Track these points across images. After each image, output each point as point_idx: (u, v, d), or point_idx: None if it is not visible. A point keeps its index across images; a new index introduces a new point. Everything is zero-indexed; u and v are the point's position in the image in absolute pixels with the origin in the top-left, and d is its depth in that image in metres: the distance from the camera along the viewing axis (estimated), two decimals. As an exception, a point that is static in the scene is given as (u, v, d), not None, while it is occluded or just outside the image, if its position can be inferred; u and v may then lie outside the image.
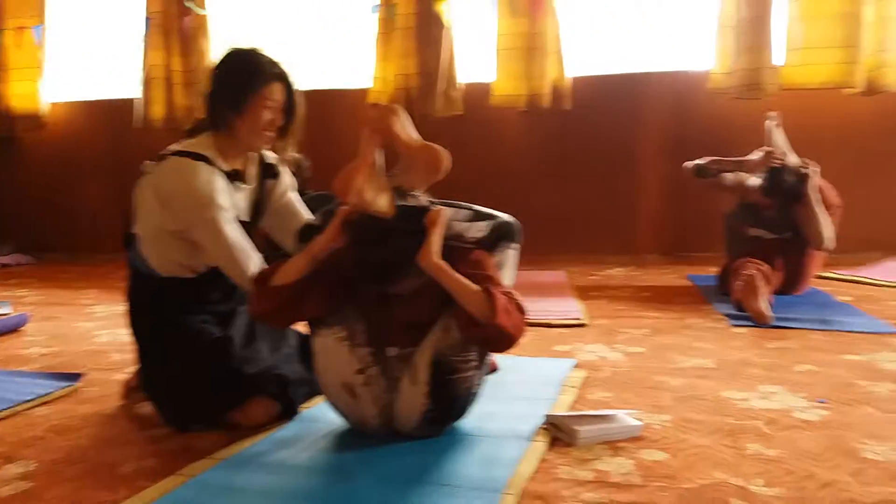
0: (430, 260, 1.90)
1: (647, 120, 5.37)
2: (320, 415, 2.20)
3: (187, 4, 5.85)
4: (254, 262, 2.15)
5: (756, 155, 3.95)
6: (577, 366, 2.76)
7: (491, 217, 2.07)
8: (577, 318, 3.52)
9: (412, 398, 1.93)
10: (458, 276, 1.90)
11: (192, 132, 2.24)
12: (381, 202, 1.87)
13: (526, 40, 5.29)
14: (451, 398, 1.95)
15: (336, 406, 2.04)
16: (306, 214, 2.41)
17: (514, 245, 2.09)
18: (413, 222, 1.91)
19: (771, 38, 4.90)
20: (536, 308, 3.44)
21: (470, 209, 2.08)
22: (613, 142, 5.42)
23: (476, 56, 5.65)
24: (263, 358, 2.23)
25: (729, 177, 4.07)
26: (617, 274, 4.93)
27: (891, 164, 5.04)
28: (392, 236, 1.89)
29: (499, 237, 2.05)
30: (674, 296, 4.10)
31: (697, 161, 4.11)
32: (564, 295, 4.15)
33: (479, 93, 5.47)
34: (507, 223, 2.08)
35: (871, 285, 4.29)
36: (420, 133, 2.19)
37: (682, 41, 5.47)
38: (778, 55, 4.92)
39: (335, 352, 1.95)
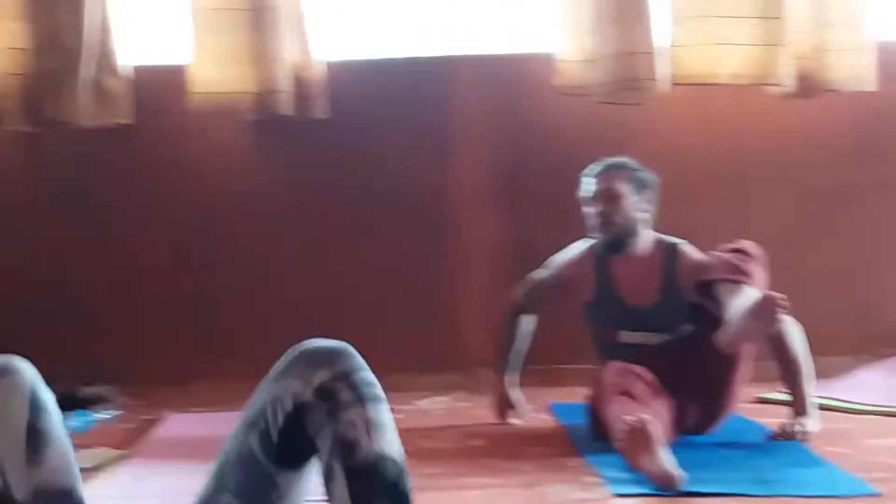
0: None
1: (461, 134, 3.38)
2: None
3: None
4: None
5: None
6: None
7: None
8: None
9: None
10: None
11: None
12: None
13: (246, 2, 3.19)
14: None
15: None
16: None
17: None
18: None
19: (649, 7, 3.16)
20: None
21: None
22: (409, 179, 3.36)
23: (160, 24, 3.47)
24: None
25: None
26: (433, 408, 3.17)
27: (854, 208, 3.32)
28: None
29: None
30: (522, 444, 2.72)
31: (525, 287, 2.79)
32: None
33: (167, 85, 3.27)
34: None
35: (834, 410, 2.86)
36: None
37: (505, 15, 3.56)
38: (661, 33, 3.15)
39: None
